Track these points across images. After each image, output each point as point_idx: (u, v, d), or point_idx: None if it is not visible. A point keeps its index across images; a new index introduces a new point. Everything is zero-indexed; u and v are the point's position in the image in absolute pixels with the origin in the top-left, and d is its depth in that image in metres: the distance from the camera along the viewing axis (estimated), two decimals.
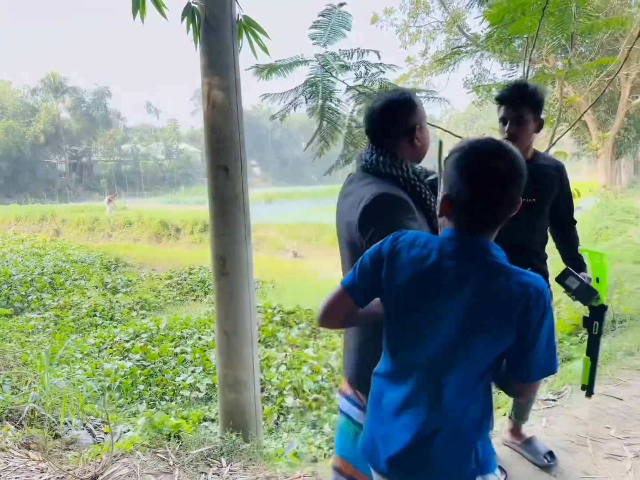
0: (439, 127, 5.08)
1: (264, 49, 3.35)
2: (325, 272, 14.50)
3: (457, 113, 59.76)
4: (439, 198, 1.22)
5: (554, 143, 4.07)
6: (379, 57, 4.13)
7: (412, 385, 1.17)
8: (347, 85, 4.13)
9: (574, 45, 4.15)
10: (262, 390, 5.87)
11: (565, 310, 4.80)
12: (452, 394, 1.13)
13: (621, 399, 2.91)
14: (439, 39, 16.82)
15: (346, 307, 1.26)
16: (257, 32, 3.23)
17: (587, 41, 15.62)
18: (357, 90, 4.15)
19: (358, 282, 1.23)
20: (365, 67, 4.13)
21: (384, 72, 4.13)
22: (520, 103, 1.94)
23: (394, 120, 1.47)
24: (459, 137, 5.16)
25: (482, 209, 1.11)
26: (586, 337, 3.91)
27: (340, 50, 3.92)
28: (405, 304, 1.17)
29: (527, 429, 2.68)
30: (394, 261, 1.16)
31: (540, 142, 4.47)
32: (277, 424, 5.33)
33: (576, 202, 2.80)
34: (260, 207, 29.22)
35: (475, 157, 1.10)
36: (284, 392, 5.82)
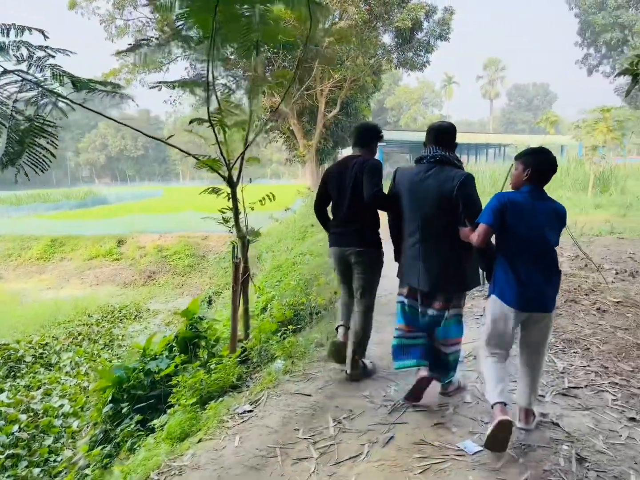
0: (148, 135, 4.68)
1: None
2: (31, 294, 12.21)
3: (183, 115, 59.55)
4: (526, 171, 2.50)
5: (248, 146, 4.23)
6: (46, 37, 3.50)
7: (531, 262, 2.41)
8: (4, 69, 3.35)
9: (259, 54, 4.50)
10: None
11: (275, 308, 5.07)
12: (552, 260, 2.46)
13: (310, 395, 2.98)
14: (151, 35, 16.11)
15: (490, 234, 2.43)
16: None
17: (289, 57, 17.54)
18: (19, 75, 3.40)
19: (493, 220, 2.39)
20: (28, 49, 3.43)
21: (53, 56, 3.52)
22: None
23: (454, 135, 2.82)
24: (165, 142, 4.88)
25: (548, 177, 2.49)
26: (285, 336, 4.17)
27: None
28: (520, 225, 2.39)
29: (218, 448, 2.54)
30: (512, 205, 2.40)
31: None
32: None
33: (289, 203, 3.06)
34: None
35: (541, 153, 2.50)
36: None
